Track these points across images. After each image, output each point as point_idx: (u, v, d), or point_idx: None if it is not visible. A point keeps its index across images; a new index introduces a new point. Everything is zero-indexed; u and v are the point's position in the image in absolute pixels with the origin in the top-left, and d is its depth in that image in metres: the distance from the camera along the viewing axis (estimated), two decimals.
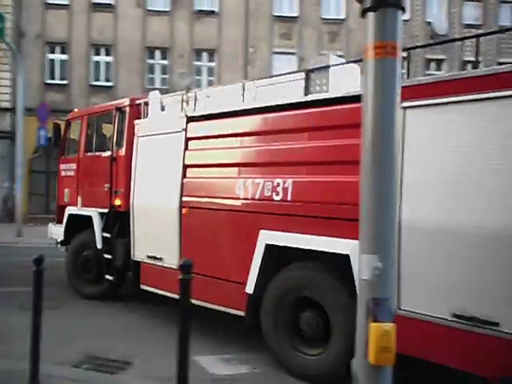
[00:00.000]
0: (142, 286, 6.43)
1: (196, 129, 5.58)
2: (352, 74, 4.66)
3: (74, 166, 7.80)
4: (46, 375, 3.99)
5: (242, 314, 4.91)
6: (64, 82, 21.63)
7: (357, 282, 3.61)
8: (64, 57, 21.74)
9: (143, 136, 6.32)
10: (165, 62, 21.51)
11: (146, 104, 6.63)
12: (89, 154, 7.52)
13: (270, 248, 4.60)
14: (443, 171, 3.52)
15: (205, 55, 21.53)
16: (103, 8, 21.24)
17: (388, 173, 2.28)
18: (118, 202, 6.70)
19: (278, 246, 4.56)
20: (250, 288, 4.72)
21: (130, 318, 6.40)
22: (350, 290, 3.90)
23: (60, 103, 20.53)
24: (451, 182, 3.47)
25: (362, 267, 2.34)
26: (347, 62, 4.89)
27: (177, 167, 5.68)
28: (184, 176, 5.64)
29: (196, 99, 5.82)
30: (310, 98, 4.56)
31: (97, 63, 21.73)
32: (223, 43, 21.15)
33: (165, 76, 21.44)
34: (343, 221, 4.07)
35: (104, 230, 6.91)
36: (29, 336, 3.84)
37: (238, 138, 5.11)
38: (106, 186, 6.89)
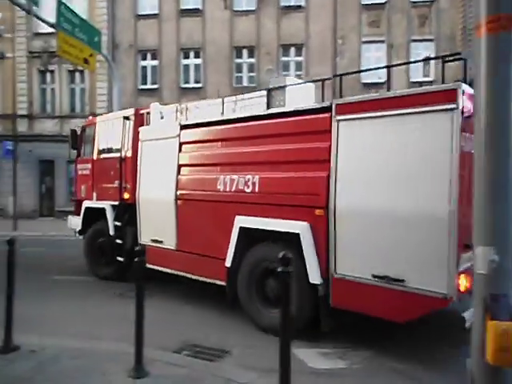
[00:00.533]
0: (148, 265, 7.54)
1: (187, 135, 6.85)
2: (307, 92, 5.79)
3: (89, 165, 9.14)
4: (150, 359, 4.20)
5: (223, 283, 6.14)
6: (155, 86, 23.09)
7: (305, 255, 5.07)
8: (155, 63, 23.24)
9: (146, 140, 7.59)
10: (252, 60, 22.15)
11: (148, 113, 7.88)
12: (101, 155, 8.81)
13: (243, 230, 5.81)
14: (366, 169, 4.77)
15: (292, 50, 21.74)
16: (191, 13, 22.51)
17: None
18: (126, 195, 8.00)
19: (249, 228, 5.76)
20: (228, 262, 5.92)
21: (226, 308, 6.40)
22: (301, 261, 5.13)
23: None
24: (372, 176, 4.70)
25: (477, 260, 2.24)
26: (304, 82, 6.07)
27: (173, 166, 6.95)
28: (178, 174, 6.90)
29: (187, 110, 7.05)
30: (269, 111, 5.83)
31: (186, 66, 23.03)
32: (311, 37, 21.24)
33: (252, 74, 22.08)
34: (295, 207, 5.28)
35: (115, 219, 8.23)
36: (133, 321, 4.06)
37: (218, 143, 6.38)
38: (116, 182, 8.19)
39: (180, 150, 6.91)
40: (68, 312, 6.56)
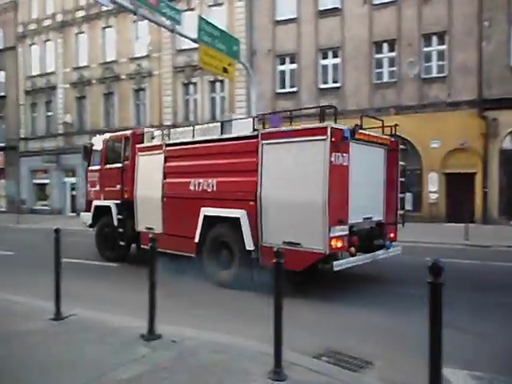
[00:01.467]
0: (142, 246, 10.38)
1: (170, 151, 9.80)
2: (247, 124, 8.67)
3: (97, 174, 12.04)
4: (289, 362, 4.14)
5: (193, 255, 8.91)
6: (293, 89, 23.53)
7: (243, 231, 7.83)
8: (293, 66, 23.63)
9: (141, 155, 10.51)
10: (392, 54, 21.30)
11: (143, 134, 10.92)
12: (107, 165, 11.68)
13: (206, 217, 8.69)
14: (278, 175, 7.69)
15: (434, 39, 20.56)
16: (330, 13, 22.38)
17: None
18: (126, 195, 10.89)
19: (209, 215, 8.64)
20: (196, 239, 8.76)
21: (372, 316, 6.35)
22: (241, 235, 7.94)
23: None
24: (281, 179, 7.61)
25: None
26: (246, 118, 9.36)
27: (160, 174, 9.82)
28: (164, 179, 9.81)
29: (170, 133, 10.12)
30: (222, 136, 8.88)
31: (324, 67, 23.00)
32: (454, 22, 19.83)
33: (392, 68, 21.35)
34: (237, 200, 8.17)
35: (118, 213, 11.10)
36: (271, 321, 3.98)
37: (190, 157, 9.33)
38: (118, 186, 11.08)
39: (165, 162, 9.82)
40: (207, 304, 7.17)
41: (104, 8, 27.82)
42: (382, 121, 8.61)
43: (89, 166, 12.64)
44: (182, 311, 6.53)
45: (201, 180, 8.98)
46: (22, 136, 34.15)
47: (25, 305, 6.66)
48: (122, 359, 4.42)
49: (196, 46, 15.84)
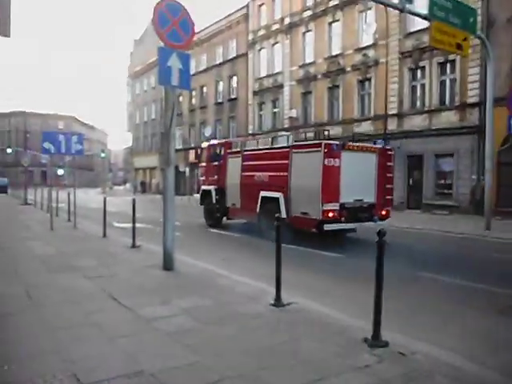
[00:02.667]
0: (229, 217, 17.97)
1: (244, 155, 16.74)
2: (286, 139, 15.14)
3: (204, 168, 20.32)
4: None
5: (255, 221, 15.55)
6: None
7: (280, 206, 13.87)
8: None
9: (230, 157, 17.93)
10: None
11: (231, 143, 18.75)
12: (210, 163, 19.58)
13: (262, 197, 15.18)
14: (300, 172, 13.74)
15: None
16: None
17: None
18: (220, 183, 18.26)
19: (264, 196, 15.12)
20: (257, 210, 15.20)
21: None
22: (279, 209, 13.88)
23: None
24: (301, 174, 14.37)
25: None
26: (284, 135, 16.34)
27: (239, 169, 16.87)
28: (241, 173, 16.72)
29: (246, 143, 17.42)
30: (271, 146, 16.05)
31: None
32: None
33: None
34: (277, 187, 14.34)
35: (215, 195, 18.44)
36: None
37: (254, 159, 15.93)
38: (216, 176, 18.80)
39: (242, 162, 16.78)
40: (428, 311, 6.86)
41: (331, 3, 32.92)
42: (374, 141, 15.86)
43: (199, 163, 21.42)
44: (403, 315, 6.47)
45: (260, 174, 15.52)
46: (250, 132, 42.62)
47: (247, 285, 7.73)
48: (343, 365, 4.40)
49: (426, 25, 16.98)
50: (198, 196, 20.36)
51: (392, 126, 28.04)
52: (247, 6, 43.29)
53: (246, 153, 16.52)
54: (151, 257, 10.17)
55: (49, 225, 15.95)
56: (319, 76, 34.02)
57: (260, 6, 41.45)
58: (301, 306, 6.35)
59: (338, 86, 32.80)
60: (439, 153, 25.86)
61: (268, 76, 40.00)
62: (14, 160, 66.58)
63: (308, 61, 35.39)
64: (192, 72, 47.61)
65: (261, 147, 15.97)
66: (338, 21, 32.84)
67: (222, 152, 18.11)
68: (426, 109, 26.75)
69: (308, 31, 35.59)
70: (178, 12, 8.50)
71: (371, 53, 30.22)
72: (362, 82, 31.23)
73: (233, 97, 45.32)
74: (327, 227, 12.56)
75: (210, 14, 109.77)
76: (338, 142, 12.60)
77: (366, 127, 29.96)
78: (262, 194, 14.72)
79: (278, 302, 6.38)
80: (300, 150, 13.39)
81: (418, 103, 27.44)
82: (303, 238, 13.42)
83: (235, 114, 44.93)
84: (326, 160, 12.38)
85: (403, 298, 7.35)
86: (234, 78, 45.25)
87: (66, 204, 19.26)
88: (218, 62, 47.52)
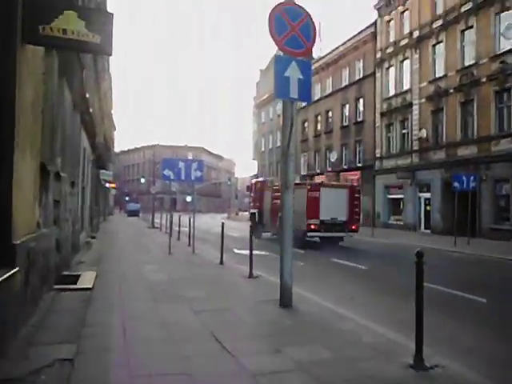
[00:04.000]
0: (265, 230, 26.62)
1: (273, 189, 25.17)
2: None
3: (251, 198, 31.79)
4: None
5: (277, 231, 22.72)
6: None
7: None
8: None
9: (265, 190, 27.75)
10: None
11: (266, 181, 30.30)
12: (255, 193, 30.49)
13: (279, 217, 15.79)
14: (296, 201, 22.06)
15: None
16: None
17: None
18: (259, 207, 27.84)
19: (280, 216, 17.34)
20: (278, 224, 20.59)
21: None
22: None
23: None
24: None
25: None
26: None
27: (270, 198, 25.49)
28: (272, 200, 24.40)
29: (273, 181, 24.49)
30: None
31: None
32: None
33: None
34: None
35: (257, 215, 28.33)
36: None
37: (278, 192, 19.03)
38: (257, 203, 28.89)
39: (272, 193, 25.11)
40: (483, 342, 6.66)
41: (463, 9, 30.64)
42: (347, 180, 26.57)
43: (250, 193, 31.59)
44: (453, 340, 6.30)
45: (278, 201, 18.61)
46: (378, 155, 41.24)
47: (376, 334, 6.42)
48: None
49: None
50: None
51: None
52: (375, 23, 41.83)
53: (273, 188, 25.18)
54: (268, 289, 9.27)
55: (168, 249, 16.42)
56: (451, 90, 31.32)
57: (388, 22, 39.75)
58: (448, 371, 4.71)
59: (471, 100, 29.74)
60: None
61: (396, 95, 38.13)
62: (146, 188, 74.29)
63: (438, 75, 33.02)
64: (317, 97, 51.17)
65: (276, 184, 24.69)
66: (471, 27, 30.11)
67: (261, 187, 27.79)
68: None
69: (438, 43, 33.34)
70: (299, 16, 7.79)
71: (511, 59, 26.45)
72: (499, 93, 27.68)
73: (359, 120, 43.86)
74: (310, 235, 21.03)
75: (333, 38, 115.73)
76: (317, 182, 24.08)
77: (505, 145, 26.13)
78: (280, 214, 16.34)
79: (418, 362, 4.84)
80: (297, 187, 16.46)
81: None
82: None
83: (362, 138, 43.23)
84: (309, 193, 21.10)
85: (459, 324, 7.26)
86: (361, 100, 43.90)
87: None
88: (343, 85, 46.39)
